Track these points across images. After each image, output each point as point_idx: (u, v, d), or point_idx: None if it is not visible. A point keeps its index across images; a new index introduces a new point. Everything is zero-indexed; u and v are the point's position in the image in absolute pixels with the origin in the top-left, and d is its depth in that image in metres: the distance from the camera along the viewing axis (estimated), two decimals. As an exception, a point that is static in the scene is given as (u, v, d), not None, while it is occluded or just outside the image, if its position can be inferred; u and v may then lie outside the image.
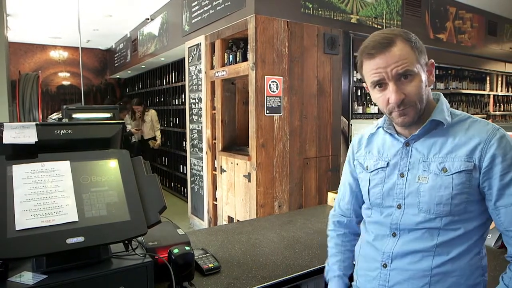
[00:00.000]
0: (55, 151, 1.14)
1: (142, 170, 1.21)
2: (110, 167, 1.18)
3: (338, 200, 1.28)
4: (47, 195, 1.05)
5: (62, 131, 1.16)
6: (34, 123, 1.13)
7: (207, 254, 1.39)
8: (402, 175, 1.03)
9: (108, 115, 5.26)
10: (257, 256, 1.46)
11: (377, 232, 1.08)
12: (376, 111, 4.82)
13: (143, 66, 7.06)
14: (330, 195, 2.31)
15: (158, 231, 1.32)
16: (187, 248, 1.19)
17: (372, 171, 1.10)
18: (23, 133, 1.09)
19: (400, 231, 1.02)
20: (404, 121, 1.00)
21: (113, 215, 1.09)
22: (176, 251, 1.17)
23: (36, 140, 1.10)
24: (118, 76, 8.87)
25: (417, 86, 0.96)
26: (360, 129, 2.75)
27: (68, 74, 8.45)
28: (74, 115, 4.64)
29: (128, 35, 7.08)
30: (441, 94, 1.06)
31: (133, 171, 1.20)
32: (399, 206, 1.03)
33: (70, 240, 1.00)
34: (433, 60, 1.01)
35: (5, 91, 3.03)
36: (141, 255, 1.15)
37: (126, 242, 1.11)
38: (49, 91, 8.34)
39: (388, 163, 1.06)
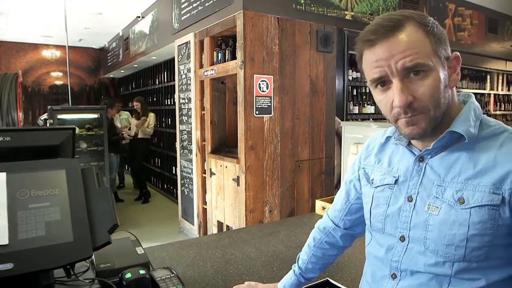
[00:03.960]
0: (-11, 162, 0.99)
1: (93, 182, 1.06)
2: (54, 179, 1.03)
3: (333, 204, 1.11)
4: (-27, 214, 0.90)
5: (-2, 138, 1.01)
6: (-38, 129, 0.98)
7: (172, 275, 1.24)
8: (409, 199, 0.80)
9: (95, 115, 5.12)
10: (229, 275, 1.31)
11: (375, 270, 0.88)
12: (373, 111, 4.66)
13: (135, 66, 6.91)
14: (319, 203, 2.15)
15: (115, 250, 1.18)
16: (141, 272, 1.04)
17: (377, 187, 0.89)
18: None
19: (401, 272, 0.81)
20: (412, 132, 0.76)
21: (53, 236, 0.94)
22: (128, 276, 1.02)
23: (-35, 149, 0.95)
24: (111, 76, 8.72)
25: (432, 86, 0.72)
26: (352, 132, 2.60)
27: (60, 74, 8.29)
28: (60, 116, 4.51)
29: (120, 34, 6.92)
30: (472, 95, 0.82)
31: (82, 183, 1.05)
32: (402, 239, 0.81)
33: (-5, 268, 0.85)
34: (458, 54, 0.76)
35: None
36: (88, 280, 1.00)
37: (68, 267, 0.96)
38: (42, 91, 8.20)
39: (396, 180, 0.84)
